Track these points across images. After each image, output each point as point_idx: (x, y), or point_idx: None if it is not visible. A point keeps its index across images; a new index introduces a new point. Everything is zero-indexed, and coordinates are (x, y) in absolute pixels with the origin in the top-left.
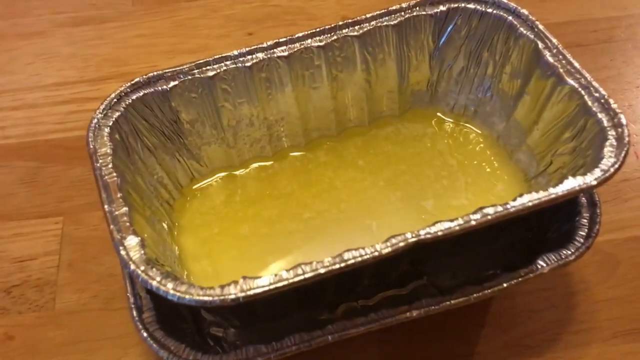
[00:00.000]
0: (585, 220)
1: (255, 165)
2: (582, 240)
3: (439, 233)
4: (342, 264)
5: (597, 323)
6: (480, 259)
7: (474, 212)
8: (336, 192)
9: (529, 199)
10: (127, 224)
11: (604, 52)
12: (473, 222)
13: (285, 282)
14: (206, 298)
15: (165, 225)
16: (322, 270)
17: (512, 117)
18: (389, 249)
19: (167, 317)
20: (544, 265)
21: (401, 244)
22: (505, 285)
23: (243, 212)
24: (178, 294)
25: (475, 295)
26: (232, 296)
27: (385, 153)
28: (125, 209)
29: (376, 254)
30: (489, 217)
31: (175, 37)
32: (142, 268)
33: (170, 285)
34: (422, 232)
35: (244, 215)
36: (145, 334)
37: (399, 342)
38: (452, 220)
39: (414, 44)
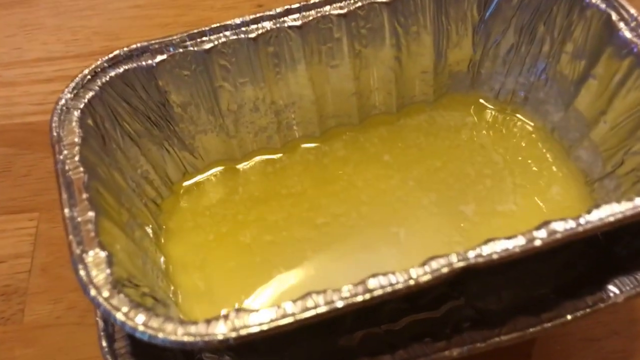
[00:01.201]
0: None
1: (261, 158)
2: None
3: (494, 256)
4: (366, 296)
5: None
6: (531, 276)
7: (538, 228)
8: (356, 193)
9: (609, 213)
10: (92, 234)
11: None
12: (538, 242)
13: (291, 319)
14: (186, 338)
15: (149, 230)
16: (339, 304)
17: (572, 106)
18: (429, 277)
19: (146, 344)
20: (617, 292)
21: (444, 270)
22: (569, 317)
23: (244, 214)
24: (149, 331)
25: (531, 330)
26: (220, 337)
27: (417, 146)
28: (91, 214)
29: (411, 282)
30: (558, 235)
31: (174, 9)
32: (106, 294)
33: (140, 319)
34: (471, 255)
35: (244, 219)
36: None
37: None
38: (509, 238)
39: (455, 14)
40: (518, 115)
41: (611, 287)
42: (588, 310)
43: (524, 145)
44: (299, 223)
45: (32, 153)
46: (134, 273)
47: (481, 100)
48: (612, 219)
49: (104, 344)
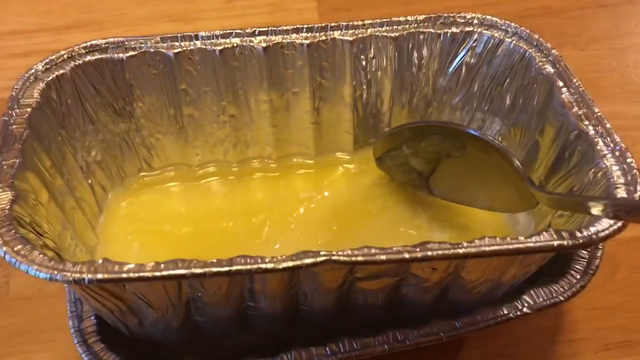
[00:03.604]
0: (585, 252)
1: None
2: (578, 275)
3: (358, 258)
4: (228, 268)
5: (588, 332)
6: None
7: (416, 245)
8: None
9: (485, 243)
10: (8, 175)
11: (628, 14)
12: (406, 255)
13: (147, 274)
14: (45, 271)
15: (85, 206)
16: (198, 270)
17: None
18: (288, 264)
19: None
20: (531, 302)
21: (307, 261)
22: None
23: (191, 222)
24: (18, 257)
25: (448, 334)
26: (76, 275)
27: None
28: (17, 160)
29: (269, 266)
30: (429, 253)
31: None
32: None
33: (16, 248)
34: (339, 252)
35: (189, 225)
36: (81, 350)
37: None
38: (382, 249)
39: (416, 67)
40: None
41: (526, 297)
42: (499, 319)
43: None
44: (236, 236)
45: None
46: (40, 223)
47: None
48: (485, 249)
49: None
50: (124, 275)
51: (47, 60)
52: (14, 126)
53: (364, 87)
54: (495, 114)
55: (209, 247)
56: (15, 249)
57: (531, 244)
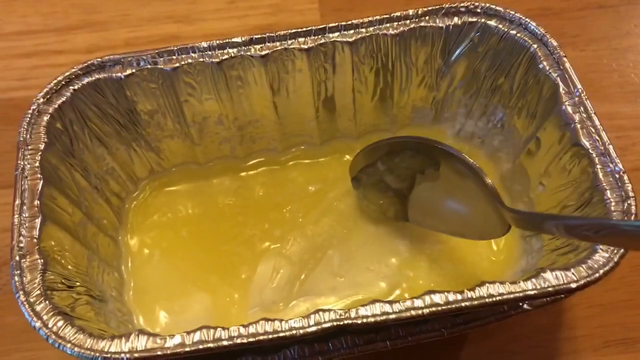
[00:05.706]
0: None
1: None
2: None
3: (370, 319)
4: (250, 339)
5: (588, 330)
6: None
7: (421, 296)
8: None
9: (492, 292)
10: (35, 240)
11: (628, 15)
12: (412, 313)
13: (180, 349)
14: (85, 354)
15: (106, 223)
16: (225, 342)
17: (519, 160)
18: (312, 329)
19: None
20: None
21: (326, 325)
22: (482, 322)
23: (205, 219)
24: (59, 341)
25: (449, 330)
26: (115, 356)
27: None
28: (37, 220)
29: (294, 332)
30: (436, 308)
31: None
32: (32, 299)
33: (55, 328)
34: (352, 314)
35: (205, 223)
36: None
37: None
38: (391, 303)
39: (418, 57)
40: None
41: None
42: (500, 316)
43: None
44: (251, 239)
45: (14, 129)
46: (71, 274)
47: (442, 137)
48: (492, 299)
49: None
50: (159, 353)
51: (46, 90)
52: (28, 179)
53: (365, 81)
54: (498, 101)
55: (227, 252)
56: (55, 329)
57: (535, 292)
